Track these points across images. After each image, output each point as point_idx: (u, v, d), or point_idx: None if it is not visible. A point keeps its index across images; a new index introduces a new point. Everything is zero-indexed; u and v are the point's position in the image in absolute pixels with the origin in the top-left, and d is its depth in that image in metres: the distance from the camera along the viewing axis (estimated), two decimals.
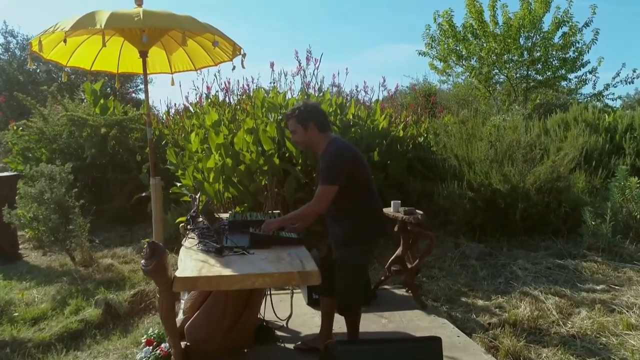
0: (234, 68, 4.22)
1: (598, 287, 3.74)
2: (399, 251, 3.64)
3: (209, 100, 6.85)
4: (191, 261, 2.09)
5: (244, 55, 4.05)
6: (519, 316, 3.26)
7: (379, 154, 5.47)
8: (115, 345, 3.43)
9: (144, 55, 3.92)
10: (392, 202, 3.67)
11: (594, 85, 12.04)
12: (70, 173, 5.54)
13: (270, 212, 3.15)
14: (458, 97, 13.10)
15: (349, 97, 6.38)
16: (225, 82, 6.61)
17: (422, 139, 6.40)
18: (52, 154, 7.48)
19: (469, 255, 4.65)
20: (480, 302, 3.69)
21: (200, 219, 2.88)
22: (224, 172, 4.94)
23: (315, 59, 5.55)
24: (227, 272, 1.93)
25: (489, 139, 5.39)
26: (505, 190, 4.62)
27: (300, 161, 5.17)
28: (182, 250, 2.31)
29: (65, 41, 3.22)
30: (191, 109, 7.09)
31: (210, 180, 4.90)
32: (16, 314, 3.88)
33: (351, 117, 5.64)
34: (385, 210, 3.75)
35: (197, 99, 7.19)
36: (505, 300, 3.62)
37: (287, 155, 5.20)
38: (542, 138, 5.92)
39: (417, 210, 3.59)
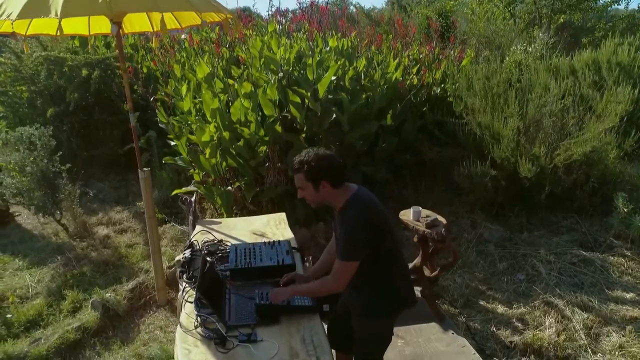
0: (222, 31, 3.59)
1: (627, 296, 3.50)
2: (417, 261, 3.33)
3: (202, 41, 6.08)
4: None
5: (234, 22, 3.45)
6: (544, 340, 3.05)
7: (392, 116, 4.94)
8: (116, 357, 3.29)
9: (116, 27, 3.23)
10: (411, 208, 3.27)
11: (627, 4, 10.84)
12: (51, 136, 5.02)
13: (277, 241, 2.74)
14: (477, 31, 11.71)
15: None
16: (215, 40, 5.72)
17: (438, 89, 5.76)
18: (32, 94, 6.84)
19: (487, 239, 4.36)
20: (500, 309, 3.48)
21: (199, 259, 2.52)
22: (220, 145, 4.46)
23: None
24: None
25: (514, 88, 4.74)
26: (532, 173, 4.17)
27: (305, 128, 4.66)
28: (178, 334, 1.98)
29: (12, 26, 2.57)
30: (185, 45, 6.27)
31: (207, 155, 4.43)
32: (9, 315, 3.68)
33: (362, 74, 4.97)
34: (402, 215, 3.37)
35: (187, 37, 6.37)
36: (528, 311, 3.40)
37: (289, 117, 4.67)
38: (570, 80, 5.26)
39: (439, 219, 3.21)
